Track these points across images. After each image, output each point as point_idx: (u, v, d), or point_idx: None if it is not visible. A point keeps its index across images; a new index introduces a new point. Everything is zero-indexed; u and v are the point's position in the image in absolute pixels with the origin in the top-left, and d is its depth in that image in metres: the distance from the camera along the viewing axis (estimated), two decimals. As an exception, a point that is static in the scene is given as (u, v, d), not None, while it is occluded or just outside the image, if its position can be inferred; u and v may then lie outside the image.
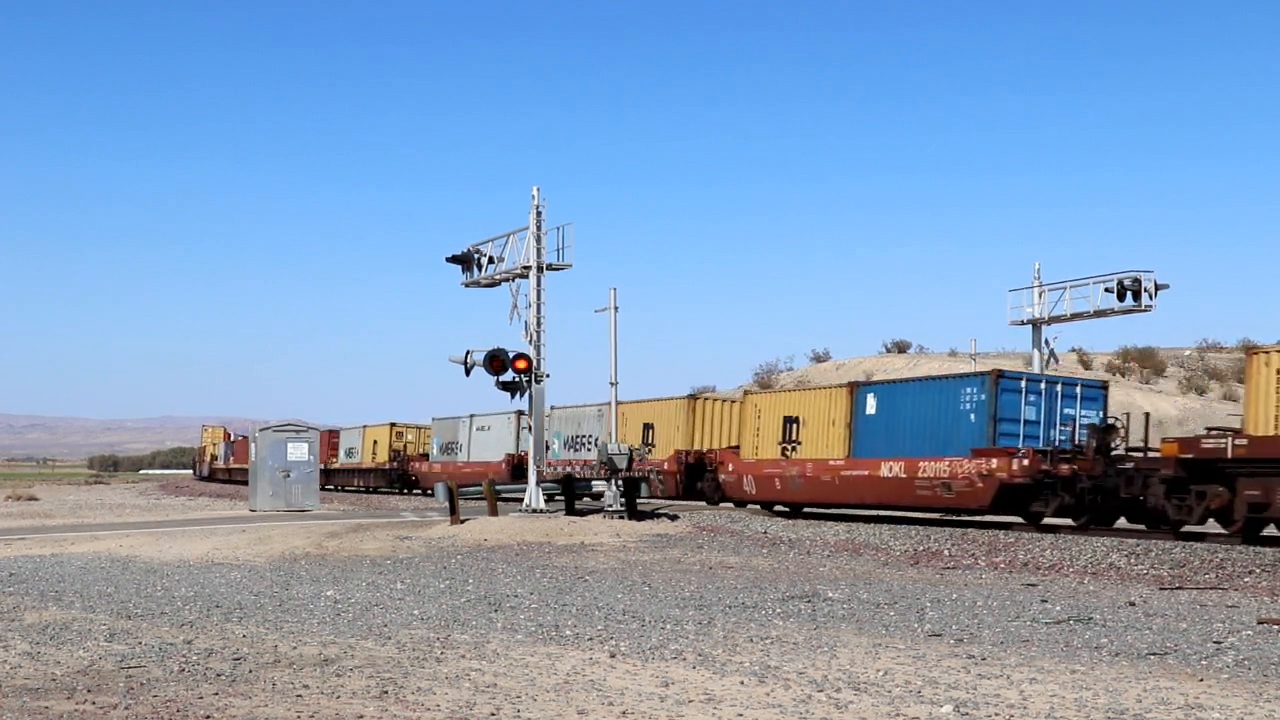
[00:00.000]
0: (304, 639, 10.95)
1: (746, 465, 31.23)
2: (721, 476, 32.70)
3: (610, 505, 27.21)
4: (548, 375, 28.46)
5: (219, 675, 9.12)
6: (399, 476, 57.42)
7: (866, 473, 27.38)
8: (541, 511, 27.69)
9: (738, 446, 32.84)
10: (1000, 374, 25.38)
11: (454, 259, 30.15)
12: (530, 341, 28.12)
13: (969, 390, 25.51)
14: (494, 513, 27.49)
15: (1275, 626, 11.95)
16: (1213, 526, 21.54)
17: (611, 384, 31.50)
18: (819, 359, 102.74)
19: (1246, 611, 13.24)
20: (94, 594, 14.76)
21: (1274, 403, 19.63)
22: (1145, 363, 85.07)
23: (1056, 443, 24.96)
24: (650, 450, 36.12)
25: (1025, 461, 23.96)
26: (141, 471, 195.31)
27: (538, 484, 28.62)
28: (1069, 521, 24.31)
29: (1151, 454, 23.06)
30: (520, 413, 44.20)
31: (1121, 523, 24.10)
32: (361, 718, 7.69)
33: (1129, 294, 32.27)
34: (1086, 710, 7.85)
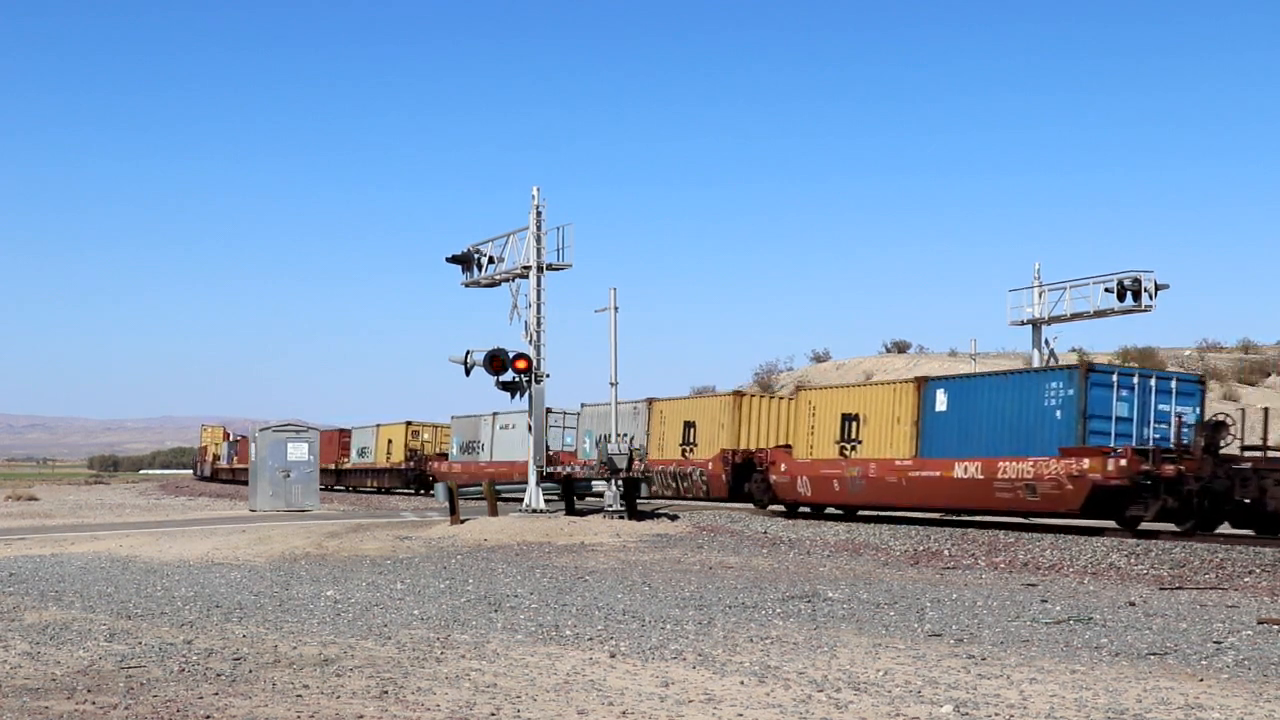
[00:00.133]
0: (304, 639, 10.95)
1: (801, 465, 29.60)
2: (773, 477, 30.69)
3: (610, 505, 27.21)
4: (548, 375, 28.48)
5: (219, 675, 9.12)
6: (416, 477, 55.93)
7: (938, 474, 25.65)
8: (541, 511, 27.69)
9: (788, 445, 31.31)
10: (1090, 367, 23.89)
11: (454, 259, 30.16)
12: (530, 341, 28.12)
13: (1054, 385, 23.77)
14: (494, 513, 27.49)
15: (1275, 626, 11.95)
16: None
17: (611, 384, 31.48)
18: (819, 359, 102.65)
19: (1246, 611, 13.24)
20: (94, 594, 14.76)
21: None
22: (1145, 363, 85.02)
23: (1151, 441, 23.21)
24: (692, 449, 34.69)
25: (1123, 461, 21.93)
26: (141, 471, 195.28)
27: (538, 484, 28.62)
28: (1171, 526, 22.48)
29: (1272, 453, 21.67)
30: (548, 410, 43.63)
31: (1225, 528, 22.65)
32: (361, 718, 7.69)
33: (1129, 294, 32.30)
34: (1086, 710, 7.85)
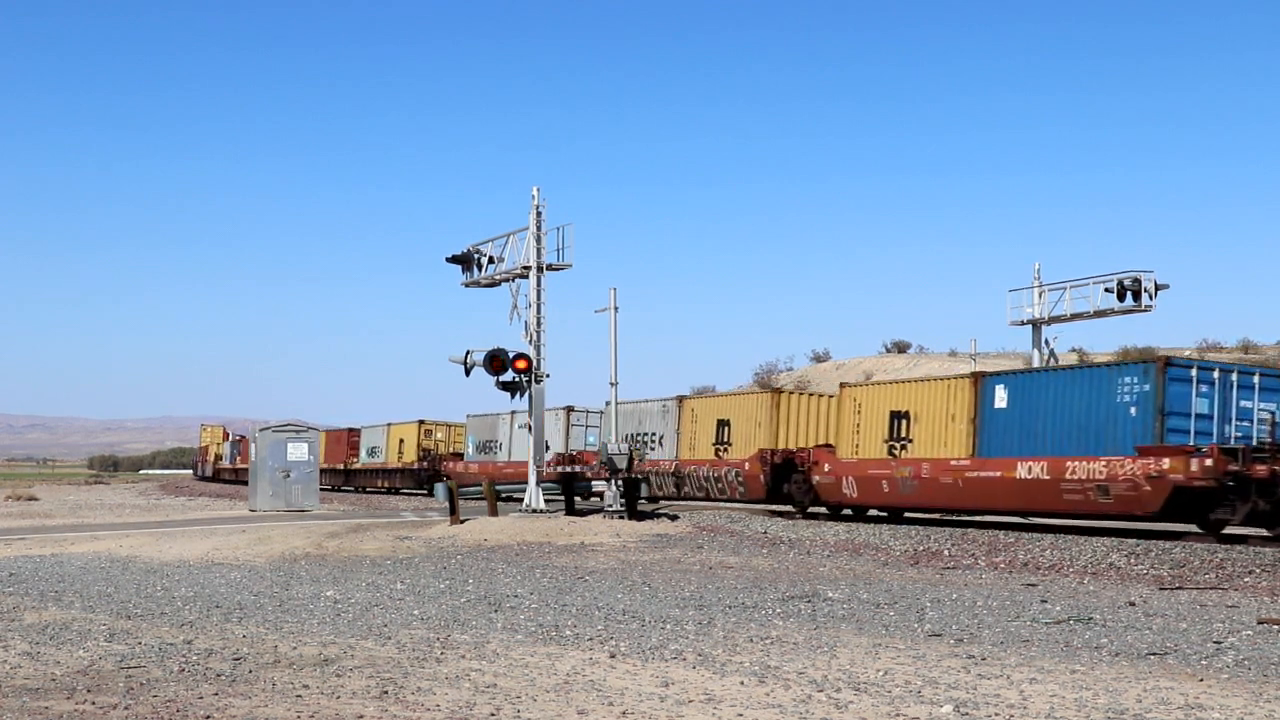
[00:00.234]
0: (304, 639, 10.95)
1: (846, 466, 28.30)
2: (816, 478, 29.26)
3: (610, 505, 27.21)
4: (548, 375, 28.49)
5: (219, 675, 9.12)
6: (430, 477, 53.52)
7: (998, 474, 24.34)
8: (541, 511, 27.69)
9: (829, 445, 30.15)
10: (1168, 361, 22.62)
11: (454, 259, 30.16)
12: (530, 341, 28.13)
13: (1128, 380, 22.56)
14: (494, 513, 27.50)
15: (1275, 626, 11.95)
16: None
17: (611, 384, 31.48)
18: (819, 359, 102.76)
19: (1246, 611, 13.24)
20: (94, 594, 14.76)
21: None
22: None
23: (1233, 440, 21.88)
24: (726, 449, 33.09)
25: (1208, 461, 20.53)
26: (141, 471, 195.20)
27: (538, 484, 28.63)
28: (1262, 532, 21.24)
29: None
30: (570, 408, 42.54)
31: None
32: (361, 718, 7.69)
33: (1129, 294, 32.35)
34: (1086, 710, 7.85)
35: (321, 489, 60.63)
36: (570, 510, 28.47)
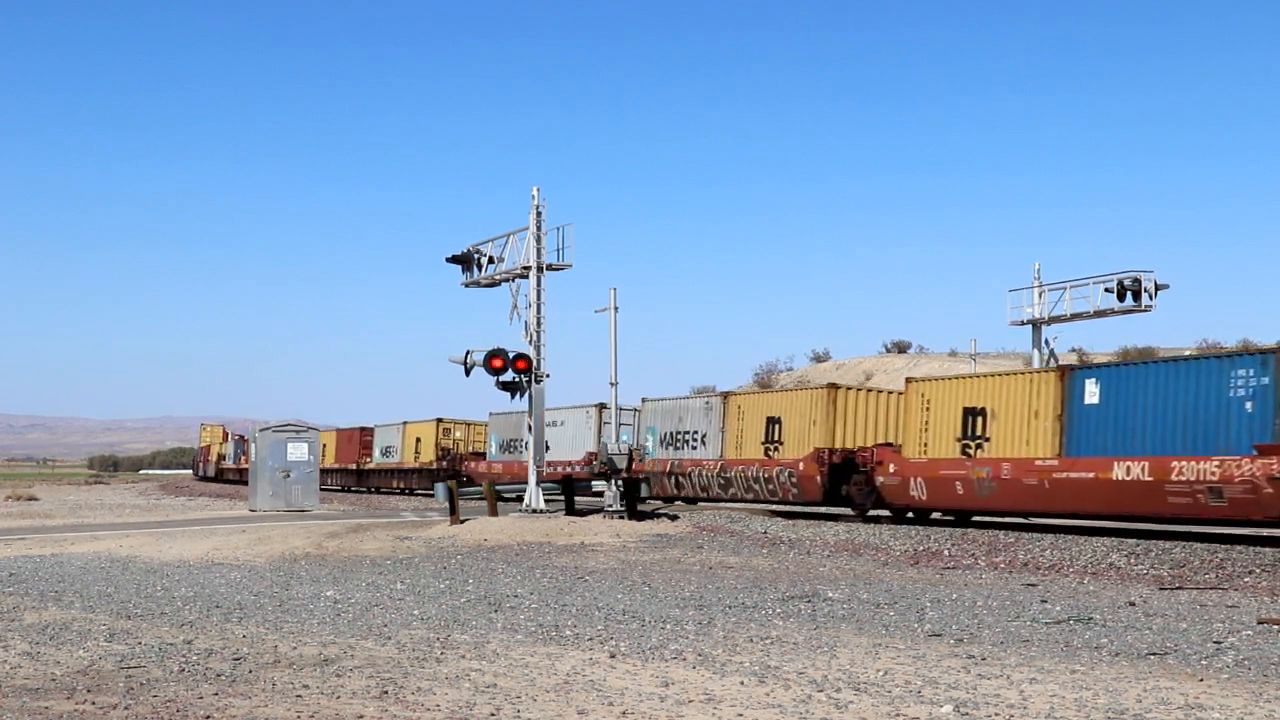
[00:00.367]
0: (304, 639, 10.95)
1: (915, 466, 26.68)
2: (879, 479, 27.65)
3: (610, 505, 27.22)
4: (548, 375, 28.49)
5: (219, 675, 9.12)
6: (450, 478, 50.69)
7: (1091, 475, 22.64)
8: (541, 511, 27.70)
9: (891, 443, 28.70)
10: None
11: (454, 259, 30.17)
12: (530, 341, 28.14)
13: (1243, 373, 20.92)
14: (494, 513, 27.50)
15: (1275, 626, 11.95)
16: None
17: (611, 384, 31.49)
18: (819, 359, 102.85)
19: (1246, 611, 13.24)
20: (94, 594, 14.76)
21: None
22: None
23: None
24: (777, 448, 31.29)
25: None
26: (141, 471, 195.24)
27: (538, 484, 28.64)
28: None
29: None
30: (602, 405, 40.78)
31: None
32: (361, 718, 7.69)
33: (1129, 294, 32.36)
34: (1086, 710, 7.85)
35: (333, 490, 60.96)
36: (570, 510, 28.48)
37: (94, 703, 8.13)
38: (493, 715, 7.76)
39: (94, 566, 18.72)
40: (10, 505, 46.59)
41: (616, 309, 30.76)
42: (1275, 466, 19.76)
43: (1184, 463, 21.16)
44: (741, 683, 8.80)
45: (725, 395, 34.46)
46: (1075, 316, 33.90)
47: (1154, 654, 10.16)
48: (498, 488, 30.61)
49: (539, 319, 28.22)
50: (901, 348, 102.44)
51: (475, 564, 19.04)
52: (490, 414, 49.58)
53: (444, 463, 52.35)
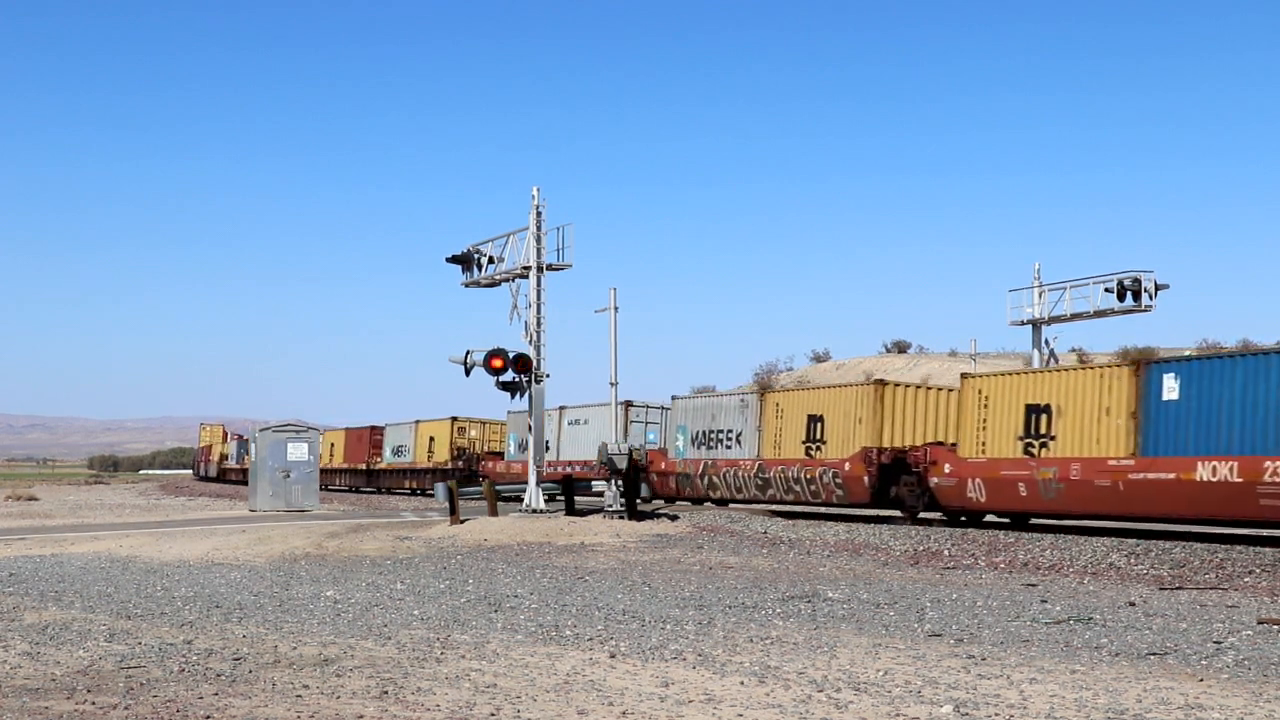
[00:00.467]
0: (304, 639, 10.96)
1: (973, 467, 25.25)
2: (934, 480, 26.20)
3: (610, 505, 27.22)
4: (548, 375, 28.49)
5: (219, 675, 9.13)
6: (466, 478, 48.54)
7: (1172, 476, 21.31)
8: (541, 511, 27.71)
9: (942, 442, 27.36)
10: None
11: (454, 259, 30.18)
12: (530, 342, 28.14)
13: None
14: (494, 513, 27.51)
15: (1275, 626, 11.96)
16: None
17: (612, 384, 31.48)
18: (819, 359, 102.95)
19: (1246, 611, 13.24)
20: (94, 594, 14.77)
21: None
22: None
23: None
24: (819, 448, 29.71)
25: None
26: (141, 471, 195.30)
27: (538, 484, 28.65)
28: None
29: None
30: (629, 404, 40.10)
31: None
32: (361, 718, 7.69)
33: (1129, 294, 32.40)
34: (1086, 710, 7.86)
35: (340, 490, 60.65)
36: (570, 510, 28.48)
37: (94, 703, 8.13)
38: (493, 715, 7.76)
39: (94, 566, 18.72)
40: (10, 505, 46.60)
41: (616, 309, 30.75)
42: None
43: (1279, 463, 19.89)
44: (741, 683, 8.80)
45: (762, 392, 32.99)
46: (1075, 316, 33.94)
47: (1154, 654, 10.16)
48: (502, 487, 30.62)
49: (539, 319, 28.23)
50: (901, 348, 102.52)
51: (475, 564, 19.04)
52: (509, 412, 46.77)
53: (460, 462, 50.94)
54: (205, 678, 9.04)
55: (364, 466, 61.03)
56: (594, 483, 29.15)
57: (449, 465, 51.05)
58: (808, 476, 29.84)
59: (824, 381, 69.31)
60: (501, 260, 29.45)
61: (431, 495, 52.29)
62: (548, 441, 44.66)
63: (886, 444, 28.34)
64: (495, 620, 12.22)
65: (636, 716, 7.74)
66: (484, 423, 52.81)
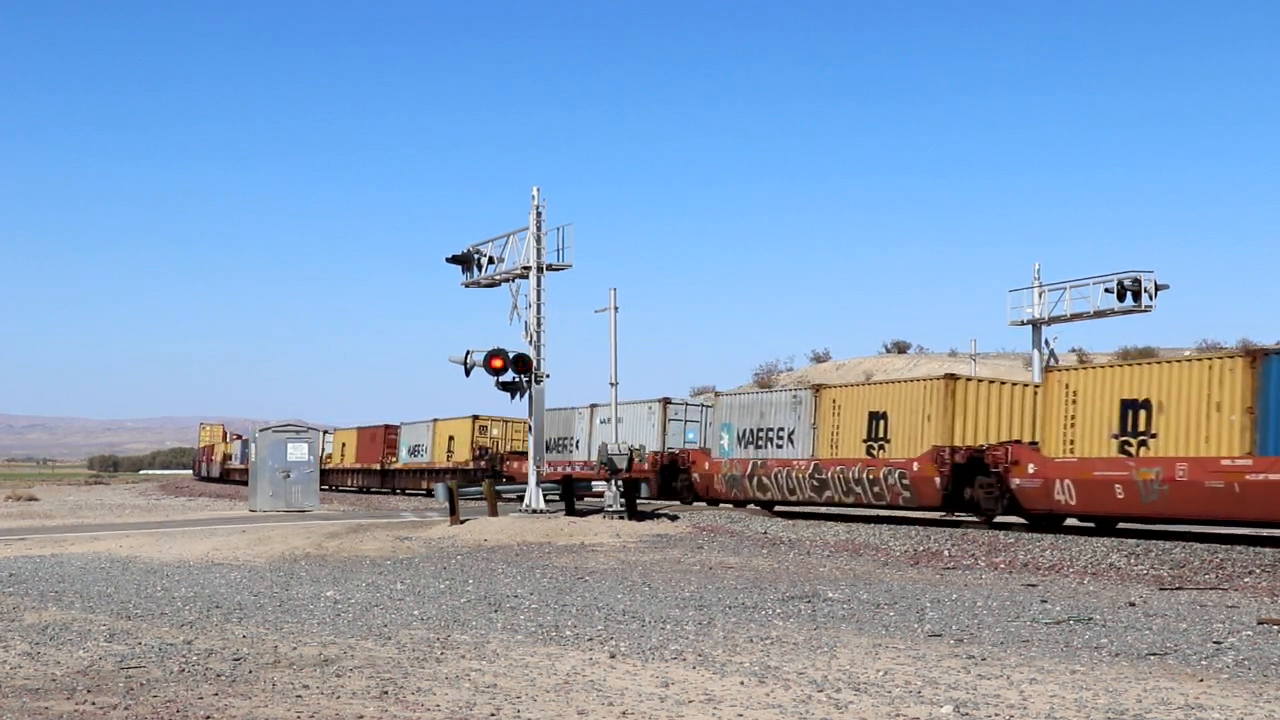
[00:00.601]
0: (304, 639, 10.96)
1: (1061, 467, 23.40)
2: (1015, 481, 24.26)
3: (610, 505, 27.23)
4: (548, 375, 28.50)
5: (219, 675, 9.13)
6: (490, 478, 45.19)
7: None
8: (541, 512, 27.72)
9: (1019, 440, 25.63)
10: None
11: (454, 259, 30.19)
12: (530, 342, 28.15)
13: None
14: (494, 513, 27.52)
15: (1275, 626, 11.96)
16: None
17: (611, 384, 31.56)
18: (819, 359, 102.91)
19: (1246, 611, 13.24)
20: (94, 594, 14.77)
21: None
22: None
23: None
24: (882, 447, 28.02)
25: None
26: (141, 472, 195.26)
27: (538, 484, 28.65)
28: None
29: None
30: (667, 400, 39.49)
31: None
32: (361, 718, 7.69)
33: (1129, 294, 32.43)
34: (1086, 710, 7.86)
35: (351, 491, 60.24)
36: (570, 510, 28.49)
37: (94, 703, 8.13)
38: (493, 715, 7.76)
39: (94, 567, 18.72)
40: (10, 505, 46.60)
41: (616, 309, 30.80)
42: None
43: None
44: (741, 683, 8.80)
45: (817, 388, 31.35)
46: (1075, 317, 33.97)
47: (1154, 654, 10.17)
48: (502, 488, 30.61)
49: (539, 319, 28.23)
50: (901, 348, 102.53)
51: (475, 564, 19.04)
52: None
53: (482, 462, 49.09)
54: (205, 678, 9.04)
55: (378, 467, 59.44)
56: (594, 483, 29.14)
57: (470, 465, 49.49)
58: (870, 477, 28.06)
59: (824, 381, 69.26)
60: (501, 260, 29.46)
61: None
62: (577, 440, 43.92)
63: (958, 442, 26.51)
64: (495, 620, 12.22)
65: (636, 716, 7.74)
66: (506, 421, 51.06)
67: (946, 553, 21.02)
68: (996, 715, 7.73)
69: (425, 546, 22.34)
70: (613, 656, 9.96)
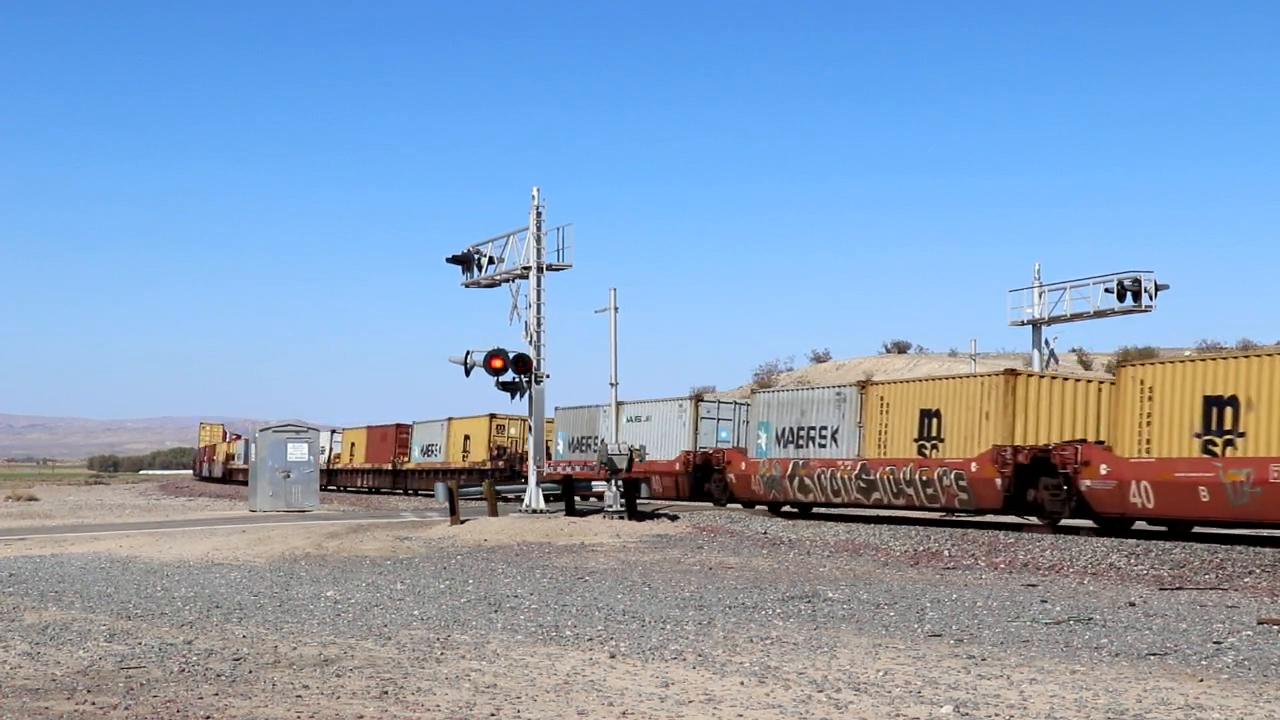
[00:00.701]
0: (304, 639, 10.96)
1: (1136, 468, 21.90)
2: (1086, 483, 22.72)
3: (610, 506, 27.23)
4: (548, 375, 28.51)
5: (219, 675, 9.13)
6: (509, 479, 44.81)
7: None
8: (541, 512, 27.72)
9: (1085, 439, 24.20)
10: None
11: (454, 259, 30.20)
12: (530, 342, 28.15)
13: None
14: (494, 513, 27.52)
15: (1275, 626, 11.96)
16: None
17: (611, 384, 31.58)
18: (819, 359, 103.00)
19: (1246, 611, 13.24)
20: (94, 594, 14.77)
21: None
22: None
23: None
24: (935, 446, 26.56)
25: None
26: (141, 472, 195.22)
27: (537, 484, 28.65)
28: None
29: None
30: (699, 398, 38.60)
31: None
32: (361, 718, 7.69)
33: (1129, 294, 32.43)
34: (1086, 710, 7.86)
35: (361, 492, 59.80)
36: (570, 510, 28.49)
37: (94, 703, 8.13)
38: (493, 715, 7.77)
39: (94, 567, 18.72)
40: (10, 505, 46.61)
41: (616, 309, 30.81)
42: None
43: None
44: (741, 683, 8.81)
45: (863, 384, 29.82)
46: (1075, 317, 33.96)
47: (1154, 654, 10.17)
48: (502, 488, 30.61)
49: (539, 319, 28.24)
50: (901, 348, 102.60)
51: (475, 564, 19.04)
52: (557, 409, 45.02)
53: (500, 462, 47.95)
54: (205, 678, 9.04)
55: (389, 466, 58.23)
56: (594, 484, 29.13)
57: (487, 465, 48.14)
58: (923, 479, 26.49)
59: (824, 381, 69.22)
60: (501, 260, 29.47)
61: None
62: (602, 439, 42.78)
63: (1019, 441, 24.98)
64: (495, 620, 12.22)
65: (636, 716, 7.74)
66: (524, 420, 48.55)
67: (946, 553, 21.02)
68: (996, 715, 7.73)
69: (425, 546, 22.34)
70: (613, 656, 9.96)
